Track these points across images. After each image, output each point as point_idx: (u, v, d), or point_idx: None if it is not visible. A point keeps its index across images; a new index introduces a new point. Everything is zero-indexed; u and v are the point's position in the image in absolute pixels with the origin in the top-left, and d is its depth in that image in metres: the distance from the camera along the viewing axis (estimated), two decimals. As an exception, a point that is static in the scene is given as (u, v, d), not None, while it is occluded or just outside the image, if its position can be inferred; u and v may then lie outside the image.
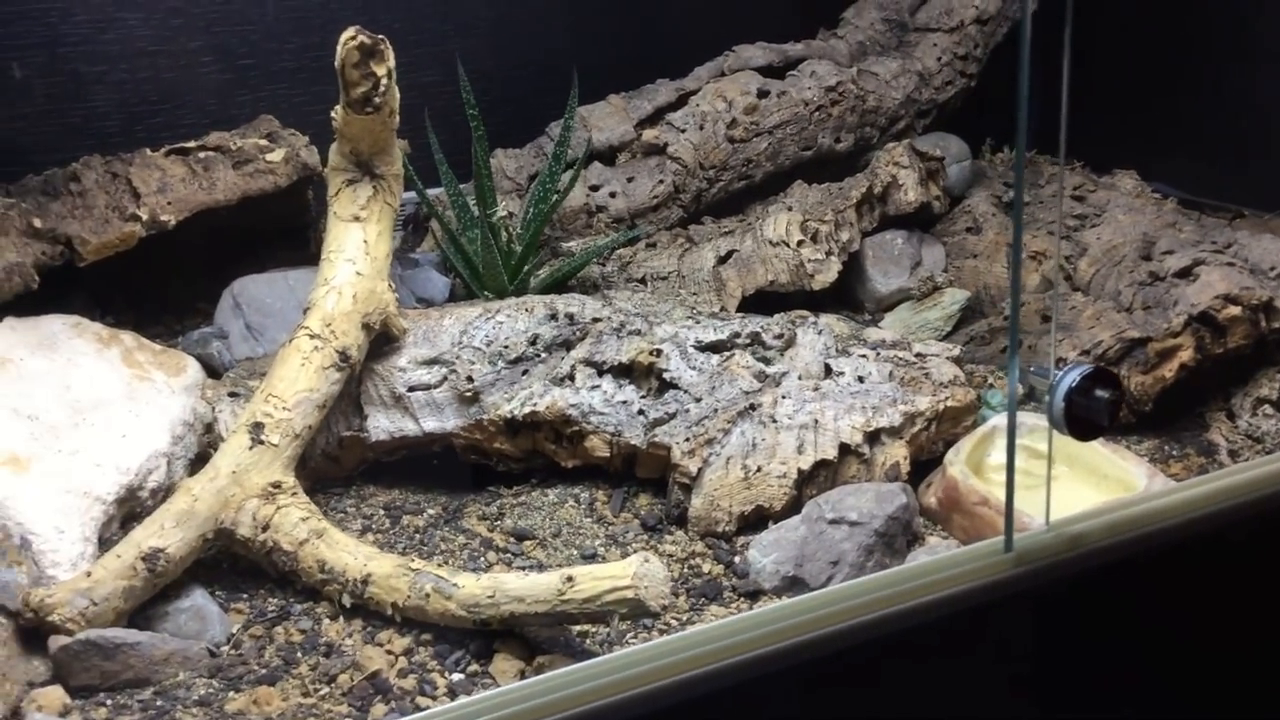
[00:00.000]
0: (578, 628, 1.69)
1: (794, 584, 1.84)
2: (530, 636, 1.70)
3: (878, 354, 2.16)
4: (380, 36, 1.98)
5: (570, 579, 1.61)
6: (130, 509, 2.00)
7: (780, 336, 2.17)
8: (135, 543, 1.76)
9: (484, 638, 1.70)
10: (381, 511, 2.02)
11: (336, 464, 2.09)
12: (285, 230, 2.57)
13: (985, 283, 2.54)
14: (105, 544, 1.86)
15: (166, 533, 1.76)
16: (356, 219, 2.09)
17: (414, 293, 2.40)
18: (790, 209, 2.66)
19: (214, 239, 2.55)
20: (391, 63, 2.01)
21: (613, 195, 2.70)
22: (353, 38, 1.96)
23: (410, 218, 2.79)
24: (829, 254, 2.50)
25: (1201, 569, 1.71)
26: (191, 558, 1.79)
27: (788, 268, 2.49)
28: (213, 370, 2.29)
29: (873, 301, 2.63)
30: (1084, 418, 1.52)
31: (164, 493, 2.04)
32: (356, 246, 2.07)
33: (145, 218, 2.25)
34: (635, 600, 1.56)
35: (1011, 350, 1.58)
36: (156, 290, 2.57)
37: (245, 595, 1.83)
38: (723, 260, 2.52)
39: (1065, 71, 1.50)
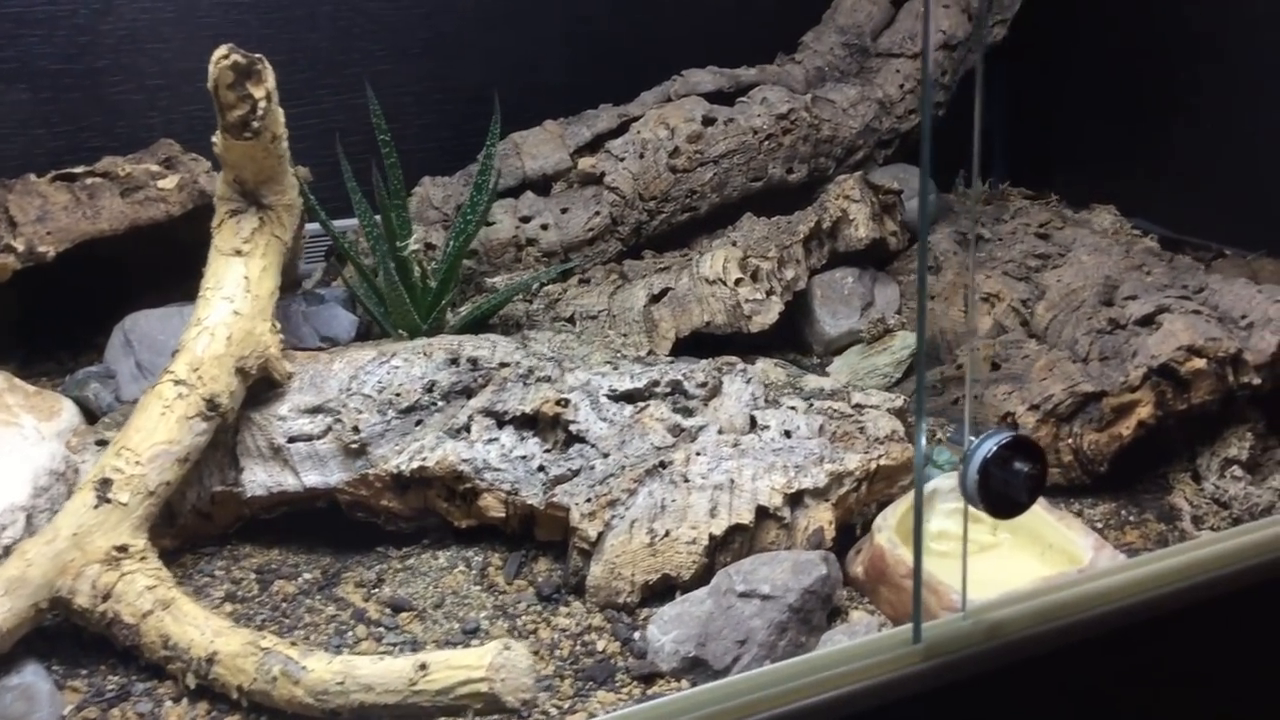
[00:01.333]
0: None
1: (695, 666, 1.64)
2: (387, 727, 1.51)
3: (810, 405, 1.97)
4: (257, 56, 1.81)
5: (424, 667, 1.42)
6: (-22, 569, 1.82)
7: (704, 385, 1.98)
8: (-42, 613, 1.57)
9: (337, 728, 1.52)
10: (252, 575, 1.83)
11: (209, 521, 1.91)
12: (188, 262, 2.39)
13: (941, 327, 2.35)
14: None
15: (-7, 602, 1.58)
16: (238, 253, 1.92)
17: (318, 331, 2.22)
18: (734, 244, 2.48)
19: (114, 270, 2.39)
20: (271, 84, 1.84)
21: (544, 227, 2.52)
22: (225, 56, 1.79)
23: (330, 250, 2.61)
24: (770, 293, 2.32)
25: (1147, 663, 1.51)
26: (22, 629, 1.61)
27: (724, 308, 2.30)
28: (91, 414, 2.11)
29: (821, 344, 2.45)
30: (1001, 493, 1.33)
31: (21, 550, 1.86)
32: (236, 283, 1.89)
33: (21, 249, 2.08)
34: (490, 695, 1.37)
35: (919, 412, 1.38)
36: (51, 325, 2.40)
37: (85, 671, 1.65)
38: (656, 299, 2.34)
39: (979, 100, 1.31)
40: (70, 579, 1.63)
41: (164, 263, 2.44)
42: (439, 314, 2.25)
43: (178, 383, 1.78)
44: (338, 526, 1.93)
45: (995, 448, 1.34)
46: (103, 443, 1.94)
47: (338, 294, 2.29)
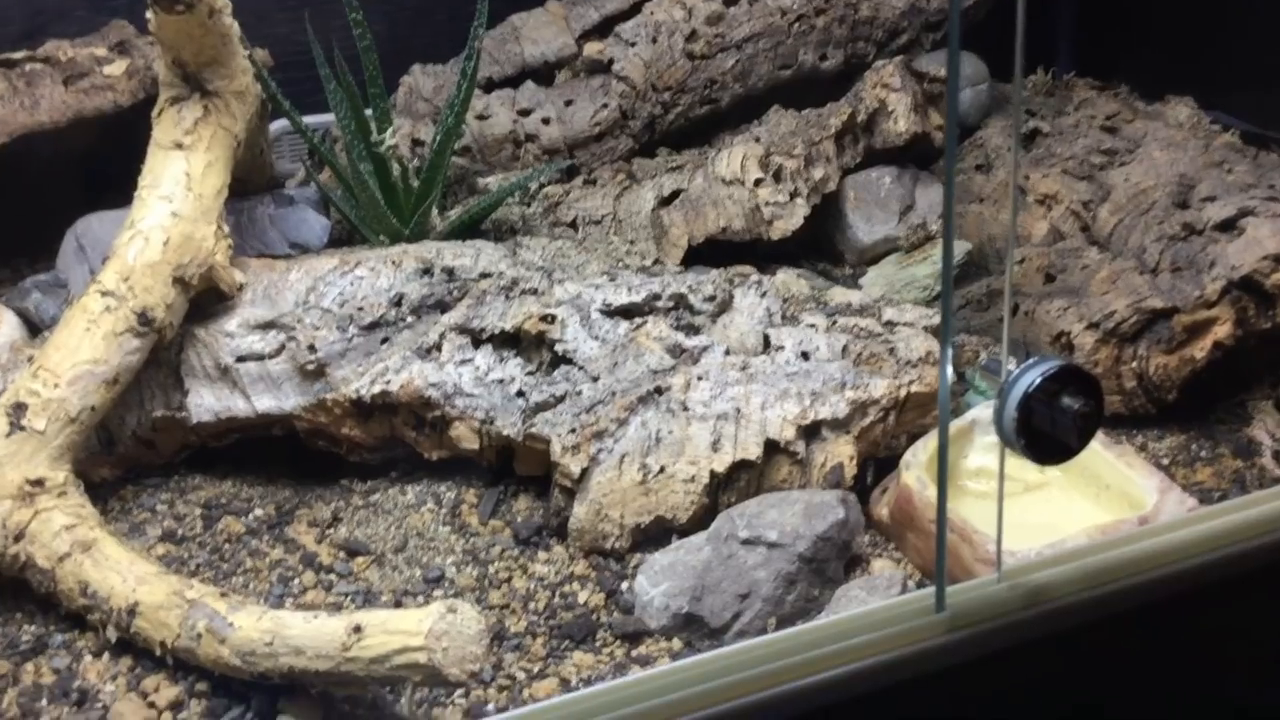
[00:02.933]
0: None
1: (688, 623, 1.42)
2: (327, 694, 1.30)
3: (834, 323, 1.72)
4: (188, -89, 1.56)
5: (358, 630, 1.21)
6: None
7: (712, 299, 1.73)
8: None
9: (268, 692, 1.31)
10: (198, 511, 1.63)
11: (152, 450, 1.70)
12: (142, 159, 2.17)
13: (990, 233, 2.08)
14: None
15: (-113, 543, 1.39)
16: (179, 146, 1.69)
17: (286, 237, 1.99)
18: (757, 140, 2.21)
19: (70, 168, 2.17)
20: (206, -54, 1.59)
21: (546, 121, 2.26)
22: (150, -88, 1.54)
23: (312, 148, 2.37)
24: (793, 195, 2.05)
25: (1220, 634, 1.26)
26: (-77, 574, 1.42)
27: (742, 211, 2.04)
28: (35, 328, 1.91)
29: (853, 253, 2.18)
30: (1045, 433, 1.08)
31: (-51, 480, 1.66)
32: (176, 181, 1.67)
33: (-46, 142, 1.86)
34: (429, 666, 1.15)
35: (945, 330, 1.13)
36: (3, 229, 2.20)
37: (-2, 620, 1.46)
38: (665, 202, 2.08)
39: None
40: (-23, 517, 1.43)
41: (119, 160, 2.22)
42: (422, 217, 2.01)
43: (105, 294, 1.56)
44: (299, 457, 1.72)
45: (1039, 379, 1.09)
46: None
47: (309, 195, 2.05)
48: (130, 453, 1.68)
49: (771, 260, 2.09)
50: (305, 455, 1.71)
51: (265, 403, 1.66)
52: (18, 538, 1.43)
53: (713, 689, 1.06)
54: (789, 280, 1.90)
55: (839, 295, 1.87)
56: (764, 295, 1.76)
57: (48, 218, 2.20)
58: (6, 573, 1.45)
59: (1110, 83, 2.70)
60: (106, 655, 1.40)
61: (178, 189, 1.66)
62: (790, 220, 2.03)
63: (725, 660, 1.09)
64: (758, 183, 2.04)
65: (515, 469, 1.64)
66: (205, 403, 1.67)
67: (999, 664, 1.15)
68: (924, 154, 2.26)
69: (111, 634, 1.39)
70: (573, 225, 2.12)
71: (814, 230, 2.14)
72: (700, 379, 1.60)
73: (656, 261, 2.00)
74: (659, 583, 1.44)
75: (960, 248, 2.07)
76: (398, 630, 1.18)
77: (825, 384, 1.60)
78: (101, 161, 2.15)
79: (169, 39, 1.65)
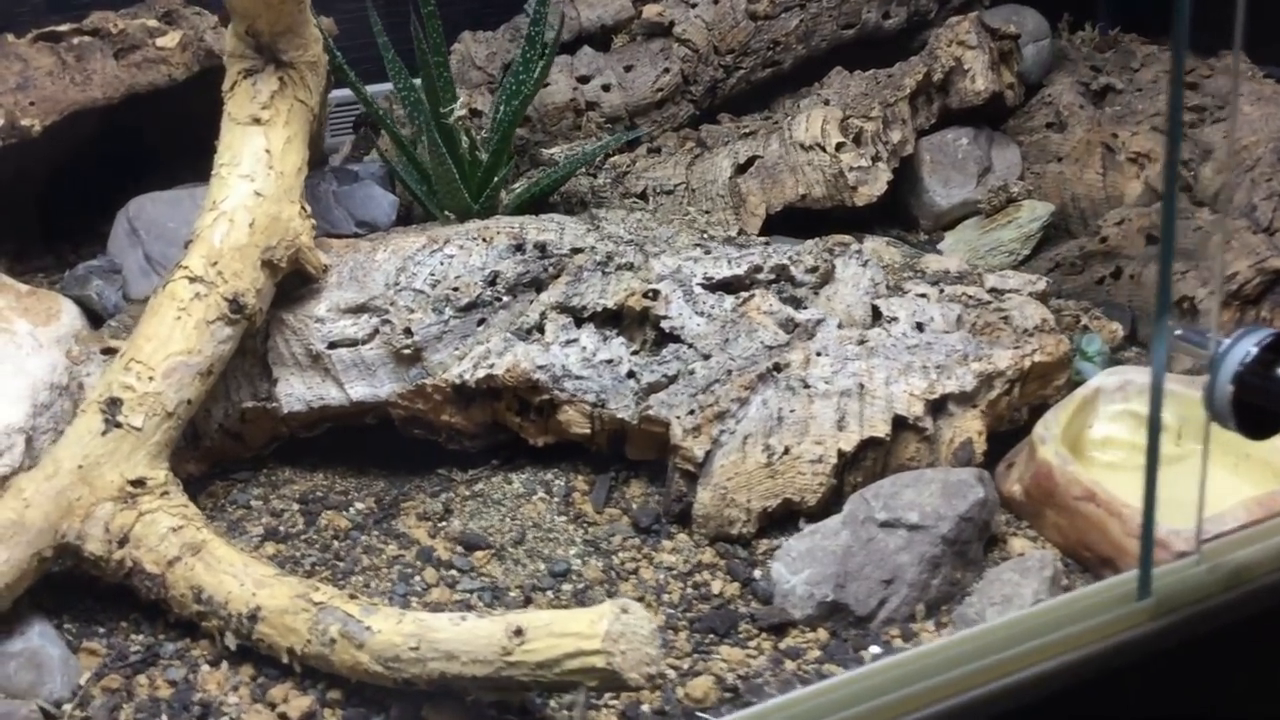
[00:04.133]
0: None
1: (833, 612, 1.36)
2: (476, 700, 1.24)
3: (941, 291, 1.66)
4: None
5: (519, 633, 1.14)
6: (-29, 505, 1.54)
7: (814, 270, 1.67)
8: (-56, 566, 1.30)
9: (410, 700, 1.25)
10: (295, 506, 1.55)
11: (240, 442, 1.62)
12: (196, 137, 2.07)
13: (1074, 193, 2.02)
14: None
15: (-14, 553, 1.30)
16: (257, 121, 1.60)
17: (353, 215, 1.91)
18: (827, 103, 2.13)
19: (114, 147, 2.07)
20: (289, -92, 1.49)
21: (606, 88, 2.18)
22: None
23: (360, 120, 2.28)
24: (875, 160, 1.99)
25: None
26: (23, 584, 1.33)
27: (823, 178, 1.97)
28: (96, 316, 1.82)
29: (929, 218, 2.12)
30: (1260, 407, 1.02)
31: (22, 479, 1.58)
32: (256, 158, 1.58)
33: (1, 123, 1.76)
34: (608, 670, 1.09)
35: (1162, 306, 1.07)
36: (46, 212, 2.10)
37: (102, 630, 1.38)
38: (742, 169, 2.01)
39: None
40: (78, 521, 1.35)
41: (170, 137, 2.13)
42: (492, 192, 1.92)
43: (193, 280, 1.48)
44: (391, 445, 1.64)
45: (1254, 350, 1.03)
46: (110, 351, 1.64)
47: (373, 170, 1.96)
48: (217, 447, 1.60)
49: (844, 228, 2.03)
50: (397, 444, 1.64)
51: (359, 390, 1.58)
52: (122, 542, 1.35)
53: (912, 694, 1.00)
54: (879, 248, 1.84)
55: (933, 262, 1.81)
56: (865, 264, 1.69)
57: (95, 200, 2.10)
58: (110, 579, 1.37)
59: (1155, 37, 2.64)
60: (225, 664, 1.32)
61: (259, 167, 1.57)
62: (875, 185, 1.96)
63: (926, 660, 1.03)
64: (839, 147, 1.97)
65: (626, 454, 1.57)
66: (295, 392, 1.58)
67: (1203, 651, 1.10)
68: (996, 113, 2.20)
69: (230, 641, 1.32)
70: (642, 196, 2.05)
71: (886, 196, 2.07)
72: (819, 354, 1.53)
73: (741, 232, 1.93)
74: (799, 570, 1.38)
75: (1044, 209, 2.02)
76: (567, 632, 1.11)
77: (949, 356, 1.54)
78: (147, 141, 2.06)
79: (244, 6, 1.56)
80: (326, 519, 1.52)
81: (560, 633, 1.12)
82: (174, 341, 1.44)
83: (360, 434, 1.64)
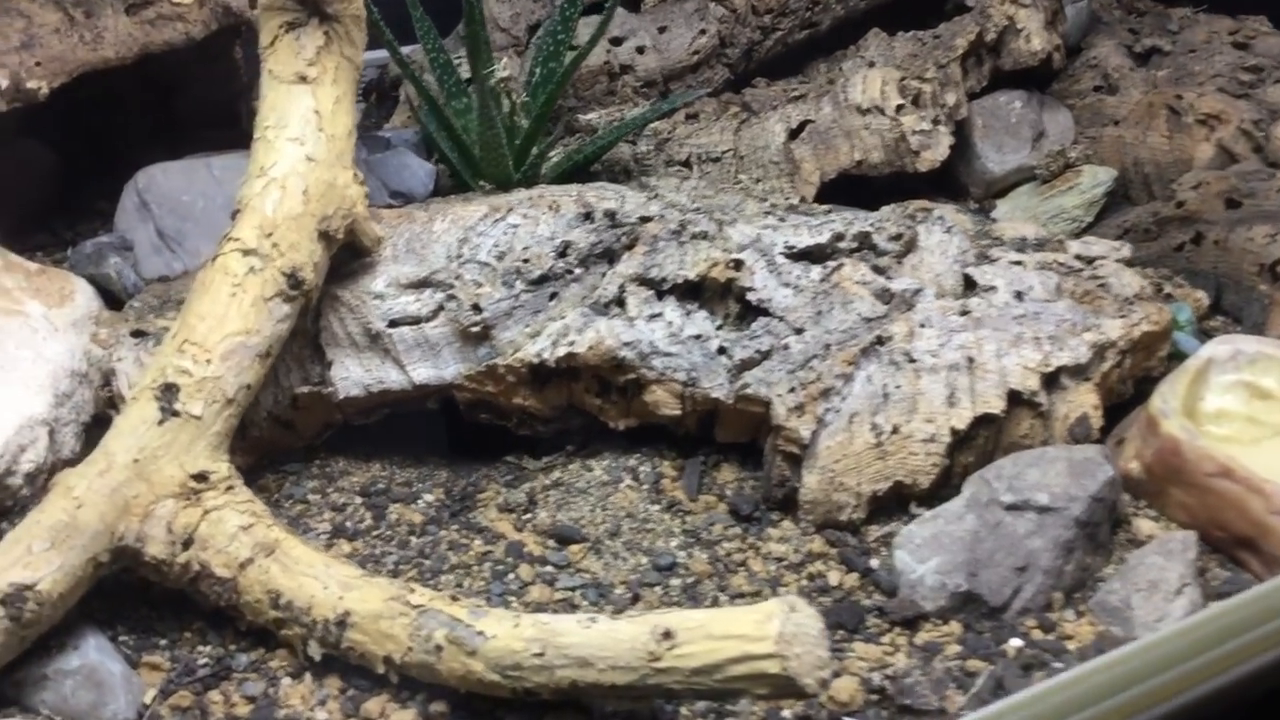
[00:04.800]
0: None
1: (966, 602, 1.27)
2: (598, 709, 1.12)
3: (1032, 258, 1.57)
4: None
5: (668, 636, 1.03)
6: (-6, 506, 1.40)
7: (897, 238, 1.57)
8: (-11, 576, 1.15)
9: (527, 711, 1.13)
10: (358, 499, 1.42)
11: (290, 431, 1.48)
12: (207, 102, 1.92)
13: (1136, 157, 1.94)
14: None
15: (36, 559, 1.16)
16: (303, 79, 1.46)
17: (385, 185, 1.77)
18: (871, 65, 2.03)
19: (115, 115, 1.91)
20: None
21: (640, 51, 2.06)
22: None
23: (371, 85, 2.14)
24: (936, 123, 1.89)
25: None
26: (77, 593, 1.19)
27: (882, 143, 1.88)
28: (112, 297, 1.67)
29: (980, 186, 2.04)
30: None
31: (47, 476, 1.44)
32: (304, 119, 1.44)
33: (5, 84, 1.60)
34: (780, 677, 0.98)
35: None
36: (39, 186, 1.93)
37: (163, 641, 1.24)
38: (793, 135, 1.90)
39: None
40: (136, 521, 1.21)
41: (172, 103, 1.98)
42: (536, 160, 1.80)
43: (247, 253, 1.34)
44: (448, 432, 1.52)
45: None
46: (140, 334, 1.50)
47: (407, 137, 1.83)
48: (266, 437, 1.46)
49: (893, 197, 1.93)
50: (453, 431, 1.51)
51: (422, 372, 1.45)
52: (187, 543, 1.21)
53: (1139, 696, 0.91)
54: (951, 215, 1.74)
55: (1008, 229, 1.71)
56: (949, 231, 1.60)
57: (94, 172, 1.95)
58: (174, 584, 1.23)
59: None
60: (308, 676, 1.19)
61: (308, 129, 1.43)
62: (938, 150, 1.87)
63: (1173, 644, 0.93)
64: (899, 109, 1.87)
65: (715, 436, 1.46)
66: (352, 375, 1.45)
67: None
68: (1043, 76, 2.12)
69: (315, 650, 1.19)
70: (686, 164, 1.93)
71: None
72: (922, 326, 1.43)
73: (803, 200, 1.83)
74: (926, 558, 1.28)
75: (1106, 174, 1.94)
76: (729, 635, 1.00)
77: (1059, 326, 1.45)
78: (157, 107, 1.91)
79: (293, -47, 1.42)
80: (396, 513, 1.39)
81: (720, 635, 1.00)
82: (230, 320, 1.30)
83: (414, 421, 1.51)
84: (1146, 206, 1.86)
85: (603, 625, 1.07)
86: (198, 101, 1.95)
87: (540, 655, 1.08)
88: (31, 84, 1.61)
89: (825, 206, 1.77)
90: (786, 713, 1.13)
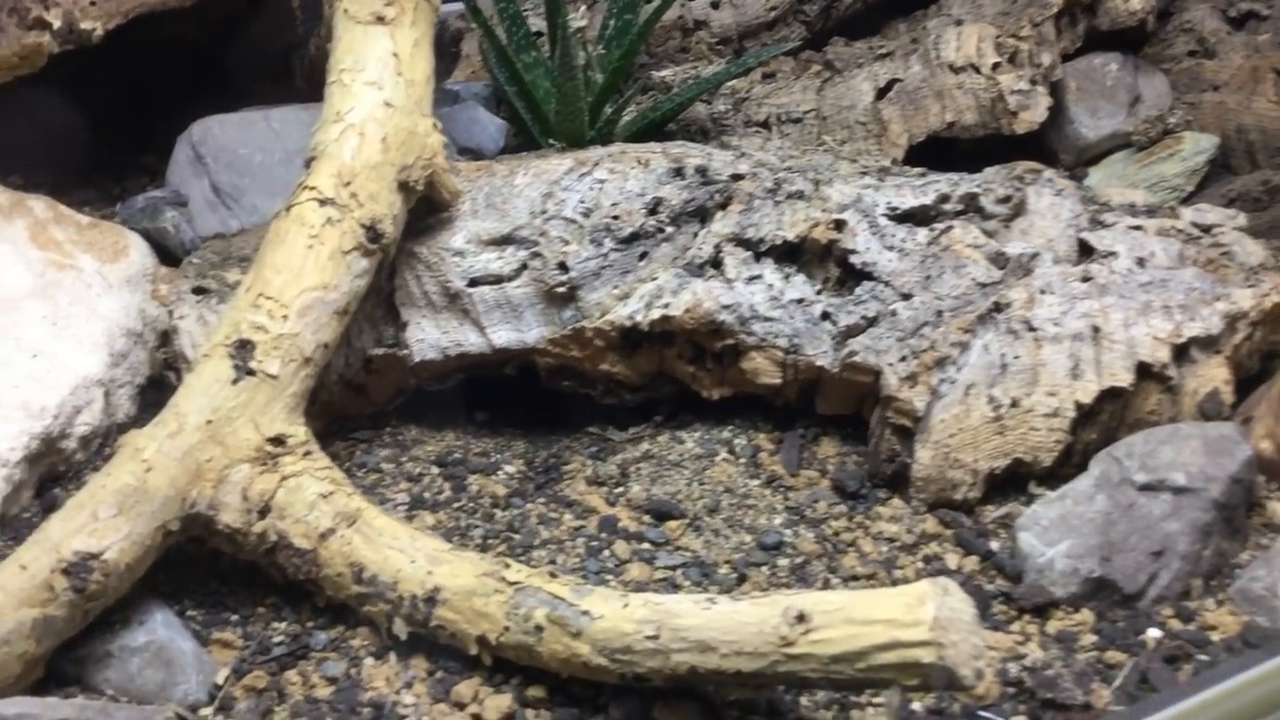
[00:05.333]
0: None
1: (1099, 589, 1.17)
2: (712, 697, 1.03)
3: (1151, 225, 1.47)
4: None
5: (803, 619, 0.93)
6: (49, 468, 1.33)
7: (1005, 200, 1.47)
8: (51, 543, 1.06)
9: (635, 698, 1.04)
10: (434, 470, 1.33)
11: (361, 396, 1.39)
12: (262, 54, 1.83)
13: (1239, 124, 1.84)
14: (10, 527, 1.20)
15: (102, 526, 1.07)
16: (380, 19, 1.36)
17: (454, 140, 1.67)
18: (959, 23, 1.93)
19: (164, 65, 1.82)
20: None
21: (715, 5, 1.97)
22: None
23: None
24: (1033, 82, 1.79)
25: None
26: (145, 563, 1.11)
27: (976, 103, 1.77)
28: (167, 253, 1.58)
29: (1071, 152, 1.93)
30: None
31: (101, 441, 1.36)
32: (382, 63, 1.34)
33: (58, 25, 1.51)
34: (936, 667, 0.89)
35: None
36: (85, 139, 1.83)
37: (235, 617, 1.16)
38: (882, 93, 1.80)
39: None
40: (209, 487, 1.12)
41: (225, 54, 1.88)
42: (611, 117, 1.70)
43: (324, 203, 1.25)
44: (521, 399, 1.43)
45: None
46: (201, 291, 1.40)
47: (476, 90, 1.73)
48: (336, 401, 1.37)
49: (979, 163, 1.83)
50: (529, 397, 1.42)
51: (503, 335, 1.36)
52: (264, 511, 1.12)
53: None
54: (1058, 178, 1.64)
55: (1115, 195, 1.61)
56: (1061, 194, 1.50)
57: (133, 125, 1.85)
58: (248, 556, 1.14)
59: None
60: (393, 656, 1.11)
61: (386, 73, 1.34)
62: (1036, 111, 1.77)
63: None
64: (995, 68, 1.77)
65: (816, 408, 1.37)
66: (428, 337, 1.36)
67: None
68: (1134, 39, 2.01)
69: (400, 629, 1.10)
70: (765, 125, 1.84)
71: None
72: (1043, 292, 1.34)
73: (894, 162, 1.73)
74: (1055, 541, 1.18)
75: (1208, 140, 1.84)
76: (874, 619, 0.91)
77: (1188, 295, 1.35)
78: (209, 58, 1.82)
79: (375, -118, 1.32)
80: (477, 484, 1.30)
81: (863, 619, 0.91)
82: (307, 274, 1.21)
83: (488, 388, 1.42)
84: (1254, 175, 1.76)
85: (725, 606, 0.98)
86: (250, 54, 1.85)
87: (654, 638, 0.99)
88: (86, 25, 1.52)
89: (918, 169, 1.68)
90: (917, 705, 1.03)
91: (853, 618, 0.92)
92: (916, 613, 0.89)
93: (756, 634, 0.95)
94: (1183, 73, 1.96)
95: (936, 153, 1.83)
